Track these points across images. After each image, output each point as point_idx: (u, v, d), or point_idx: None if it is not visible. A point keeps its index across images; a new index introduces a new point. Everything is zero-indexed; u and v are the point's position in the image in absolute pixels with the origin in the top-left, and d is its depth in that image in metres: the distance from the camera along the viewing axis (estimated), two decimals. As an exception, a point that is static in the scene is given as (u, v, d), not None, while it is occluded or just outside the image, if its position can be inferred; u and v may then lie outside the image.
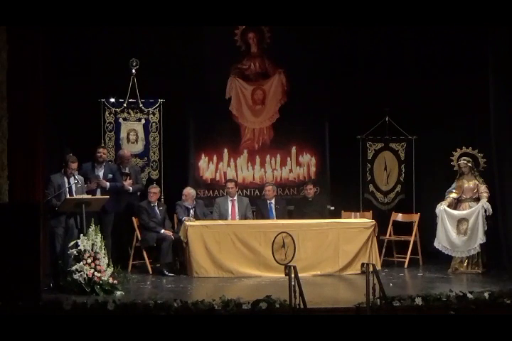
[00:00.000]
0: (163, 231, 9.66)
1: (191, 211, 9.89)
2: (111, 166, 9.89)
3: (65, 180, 8.74)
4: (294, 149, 11.05)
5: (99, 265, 8.12)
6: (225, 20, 7.48)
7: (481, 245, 9.47)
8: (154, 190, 9.87)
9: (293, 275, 6.64)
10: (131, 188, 9.90)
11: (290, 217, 10.31)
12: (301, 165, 11.06)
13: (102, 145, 9.99)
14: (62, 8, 6.94)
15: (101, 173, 9.64)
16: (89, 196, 8.87)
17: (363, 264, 7.23)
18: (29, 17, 7.01)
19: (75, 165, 8.78)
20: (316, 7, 7.22)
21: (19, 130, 7.56)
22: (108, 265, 8.23)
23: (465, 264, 9.60)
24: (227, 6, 7.11)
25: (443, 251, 9.66)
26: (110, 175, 9.69)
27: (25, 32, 7.53)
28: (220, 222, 9.88)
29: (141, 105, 10.34)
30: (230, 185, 10.25)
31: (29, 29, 7.49)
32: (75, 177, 8.79)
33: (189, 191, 9.99)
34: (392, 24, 8.20)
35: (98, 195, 9.31)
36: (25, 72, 7.62)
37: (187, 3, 7.06)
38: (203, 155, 10.87)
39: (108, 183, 9.56)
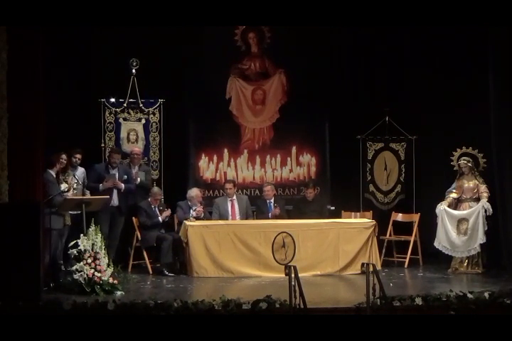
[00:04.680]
0: (160, 218, 9.64)
1: (192, 211, 9.80)
2: (125, 168, 9.83)
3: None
4: (294, 149, 11.05)
5: (99, 265, 8.10)
6: (225, 21, 7.45)
7: (481, 245, 9.44)
8: (158, 197, 9.82)
9: (293, 275, 6.61)
10: (138, 179, 9.87)
11: (289, 217, 10.27)
12: (301, 165, 11.06)
13: (116, 149, 9.84)
14: (62, 8, 6.91)
15: (116, 175, 9.58)
16: (90, 196, 8.91)
17: (363, 264, 7.20)
18: (29, 17, 6.96)
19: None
20: (316, 7, 7.19)
21: (19, 130, 7.51)
22: (108, 265, 8.19)
23: (465, 264, 9.57)
24: (227, 6, 7.08)
25: (443, 251, 9.64)
26: (125, 177, 9.64)
27: (25, 32, 7.47)
28: (220, 222, 9.86)
29: (141, 105, 10.32)
30: (228, 185, 10.21)
31: (29, 29, 7.43)
32: (74, 177, 8.84)
33: (199, 193, 9.97)
34: (392, 24, 8.17)
35: (115, 195, 9.33)
36: (25, 72, 7.56)
37: (187, 3, 7.03)
38: (203, 155, 10.87)
39: (123, 185, 9.55)
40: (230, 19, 7.41)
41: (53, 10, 6.91)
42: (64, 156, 8.79)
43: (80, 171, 9.57)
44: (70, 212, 8.73)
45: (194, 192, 9.95)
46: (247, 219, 10.17)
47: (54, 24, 7.35)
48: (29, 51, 7.58)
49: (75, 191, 8.84)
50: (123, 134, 10.34)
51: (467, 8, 7.28)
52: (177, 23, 7.48)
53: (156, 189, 9.95)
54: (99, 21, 7.18)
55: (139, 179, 9.91)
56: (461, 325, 6.12)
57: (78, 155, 9.50)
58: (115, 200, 9.49)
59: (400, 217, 10.51)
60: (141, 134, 10.40)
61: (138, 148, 10.21)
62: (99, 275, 8.04)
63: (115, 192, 9.48)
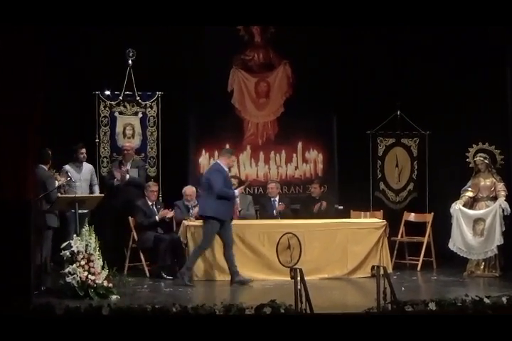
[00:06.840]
0: (156, 217, 9.50)
1: (191, 211, 9.60)
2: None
3: None
4: (299, 145, 11.03)
5: (93, 267, 7.96)
6: (226, 20, 7.33)
7: (499, 247, 9.33)
8: (154, 188, 9.70)
9: (299, 279, 6.50)
10: (127, 176, 9.75)
11: (296, 217, 10.16)
12: (307, 162, 11.10)
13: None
14: (61, 7, 6.81)
15: None
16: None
17: (373, 267, 7.13)
18: (24, 15, 6.86)
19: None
20: (320, 7, 7.04)
21: (9, 126, 7.32)
22: (103, 267, 8.02)
23: (481, 267, 9.48)
24: (228, 6, 6.96)
25: (458, 253, 9.55)
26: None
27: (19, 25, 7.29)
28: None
29: (138, 98, 10.23)
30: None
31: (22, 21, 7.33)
32: (67, 174, 8.85)
33: (192, 189, 9.78)
34: (404, 23, 7.94)
35: None
36: (15, 67, 7.33)
37: (187, 3, 6.94)
38: (203, 151, 10.87)
39: None
40: (231, 19, 7.31)
41: (51, 8, 6.81)
42: (49, 152, 8.70)
43: (88, 168, 9.61)
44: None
45: (187, 189, 9.77)
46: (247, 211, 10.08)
47: (50, 23, 7.19)
48: (21, 44, 7.34)
49: (67, 187, 8.83)
50: (118, 129, 10.25)
51: (482, 8, 7.13)
52: (177, 23, 7.39)
53: (149, 182, 9.88)
54: (98, 21, 7.09)
55: (127, 176, 9.79)
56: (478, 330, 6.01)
57: (83, 150, 9.52)
58: None
59: (412, 216, 10.45)
60: (138, 129, 10.30)
61: (129, 143, 10.18)
62: (93, 278, 7.90)
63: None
